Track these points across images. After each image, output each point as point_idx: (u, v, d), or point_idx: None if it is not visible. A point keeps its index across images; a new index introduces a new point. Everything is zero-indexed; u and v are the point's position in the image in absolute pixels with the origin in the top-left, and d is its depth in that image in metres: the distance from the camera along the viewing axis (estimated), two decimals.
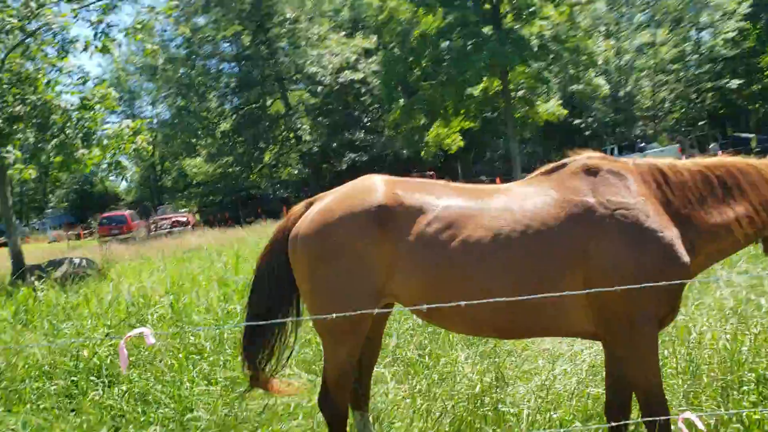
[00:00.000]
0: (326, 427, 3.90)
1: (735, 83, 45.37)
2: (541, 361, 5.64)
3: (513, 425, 4.39)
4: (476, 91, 34.13)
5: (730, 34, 43.97)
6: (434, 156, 42.18)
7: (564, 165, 3.67)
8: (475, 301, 3.13)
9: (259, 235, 21.92)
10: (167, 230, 36.48)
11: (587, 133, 45.90)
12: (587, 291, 3.15)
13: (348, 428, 3.98)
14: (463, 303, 3.03)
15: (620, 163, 3.63)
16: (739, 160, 3.57)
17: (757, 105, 48.48)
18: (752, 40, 45.78)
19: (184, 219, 40.38)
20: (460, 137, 36.53)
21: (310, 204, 3.89)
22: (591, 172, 3.53)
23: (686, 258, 3.31)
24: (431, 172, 41.33)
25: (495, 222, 3.42)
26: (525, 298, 3.11)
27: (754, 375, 4.45)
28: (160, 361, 5.97)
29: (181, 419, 4.93)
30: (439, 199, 3.59)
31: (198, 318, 7.44)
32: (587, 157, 3.65)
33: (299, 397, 5.14)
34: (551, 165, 3.76)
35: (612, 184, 3.44)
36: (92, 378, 5.81)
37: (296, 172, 46.05)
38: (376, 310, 3.14)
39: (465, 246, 3.40)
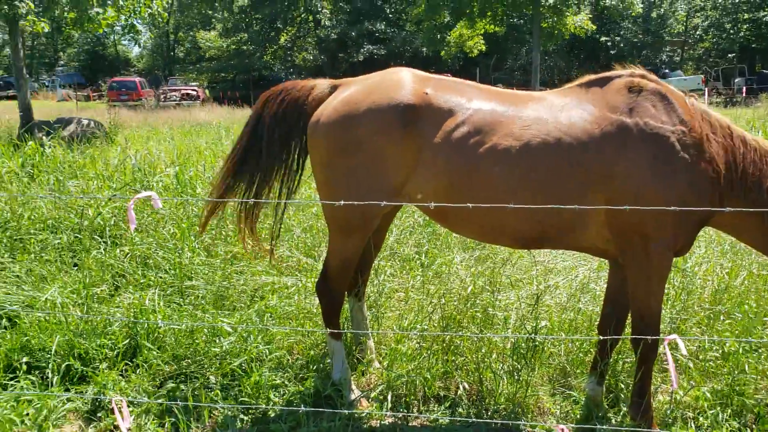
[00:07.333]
0: (318, 309, 4.00)
1: None
2: (534, 272, 5.74)
3: (499, 329, 4.52)
4: None
5: None
6: (454, 58, 41.14)
7: (607, 79, 3.48)
8: (483, 205, 3.12)
9: None
10: (176, 102, 36.13)
11: (612, 52, 44.53)
12: (611, 207, 3.12)
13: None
14: (470, 205, 3.01)
15: (669, 87, 3.41)
16: None
17: None
18: None
19: (194, 92, 39.88)
20: (483, 41, 35.47)
21: (334, 87, 3.77)
22: (634, 90, 3.35)
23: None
24: (449, 75, 40.42)
25: (526, 132, 3.31)
26: (542, 207, 3.08)
27: (740, 309, 4.53)
28: (163, 228, 6.07)
29: (180, 285, 5.06)
30: (471, 102, 3.46)
31: (202, 191, 7.49)
32: (631, 73, 3.46)
33: (296, 278, 5.28)
34: (592, 77, 3.57)
35: (653, 106, 3.28)
36: (95, 237, 5.92)
37: (311, 57, 44.97)
38: (384, 203, 3.11)
39: (491, 154, 3.30)
